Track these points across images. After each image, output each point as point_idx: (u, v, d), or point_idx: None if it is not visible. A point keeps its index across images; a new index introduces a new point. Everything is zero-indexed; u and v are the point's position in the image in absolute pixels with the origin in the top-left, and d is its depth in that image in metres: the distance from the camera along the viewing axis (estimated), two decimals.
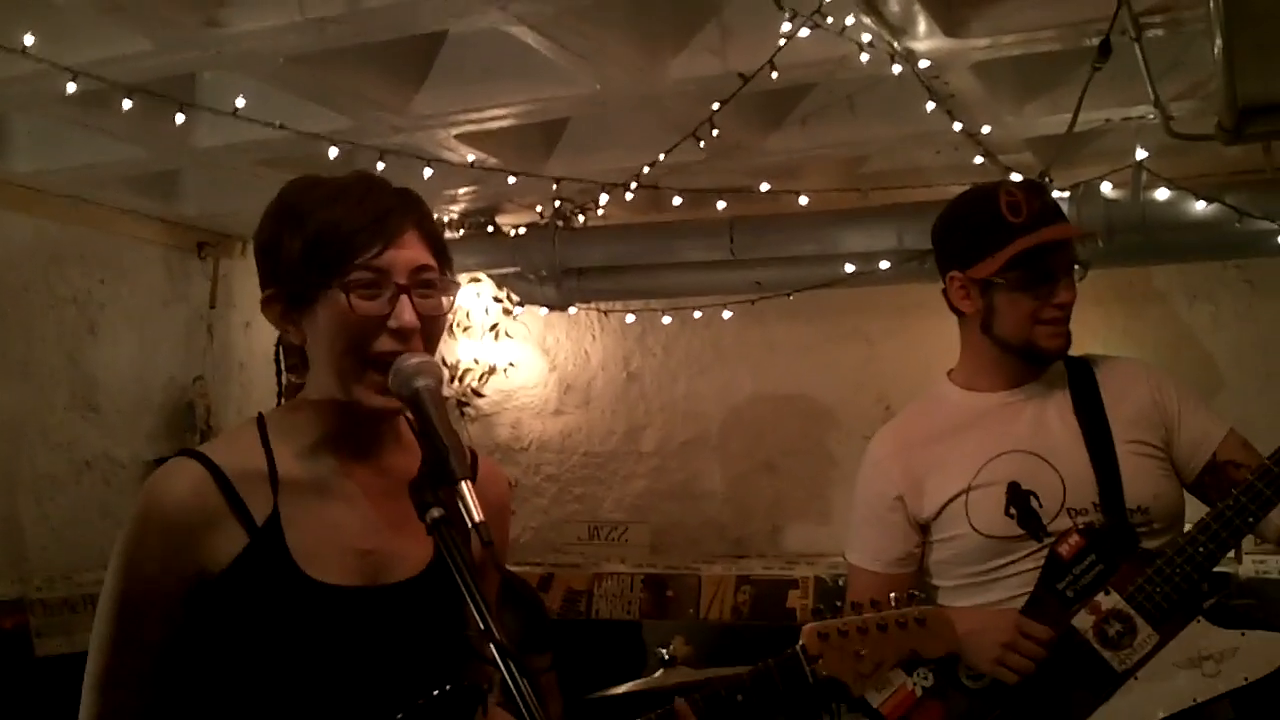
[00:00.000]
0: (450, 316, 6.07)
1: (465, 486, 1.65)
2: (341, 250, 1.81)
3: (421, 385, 1.76)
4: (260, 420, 1.95)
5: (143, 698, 1.82)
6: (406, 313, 1.82)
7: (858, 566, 2.83)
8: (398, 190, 1.94)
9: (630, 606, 5.46)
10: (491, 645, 1.60)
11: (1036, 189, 2.79)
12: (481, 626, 1.61)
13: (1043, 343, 2.66)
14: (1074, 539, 2.49)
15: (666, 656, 4.48)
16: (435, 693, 1.85)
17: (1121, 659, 2.43)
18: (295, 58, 4.06)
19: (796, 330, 5.79)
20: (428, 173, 4.47)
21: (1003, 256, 2.62)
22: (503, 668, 1.59)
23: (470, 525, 1.63)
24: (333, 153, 4.38)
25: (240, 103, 4.12)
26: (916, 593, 2.18)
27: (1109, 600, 2.46)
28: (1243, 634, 2.41)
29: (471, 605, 1.63)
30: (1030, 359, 2.70)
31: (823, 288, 5.11)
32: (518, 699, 1.58)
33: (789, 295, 5.23)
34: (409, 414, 1.83)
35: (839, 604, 2.15)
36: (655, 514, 6.17)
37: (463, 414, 6.25)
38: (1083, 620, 2.46)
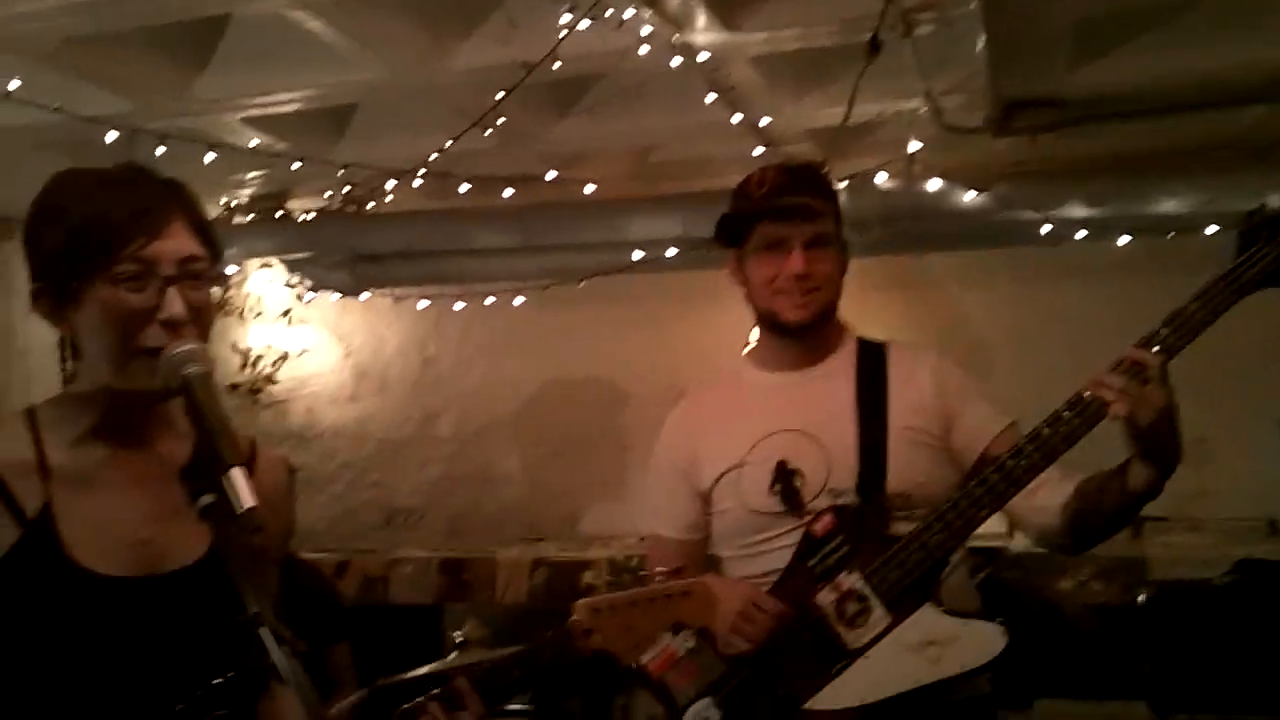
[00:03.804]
0: (242, 302, 5.99)
1: (236, 472, 1.65)
2: (105, 243, 1.79)
3: (191, 372, 1.76)
4: (29, 413, 1.92)
5: None
6: (175, 305, 1.80)
7: (653, 534, 2.93)
8: (163, 180, 1.92)
9: (427, 591, 5.44)
10: (260, 630, 1.62)
11: (790, 168, 2.85)
12: (251, 612, 1.63)
13: (784, 314, 2.71)
14: (827, 519, 2.55)
15: (460, 639, 4.48)
16: (217, 681, 1.84)
17: (856, 637, 2.49)
18: (72, 39, 3.95)
19: (589, 316, 5.84)
20: (209, 157, 4.38)
21: (747, 229, 2.74)
22: (273, 650, 1.61)
23: (238, 511, 1.64)
24: (112, 136, 4.27)
25: (14, 85, 3.99)
26: (682, 566, 2.28)
27: (850, 579, 2.52)
28: (966, 623, 2.48)
29: (240, 590, 1.64)
30: (778, 330, 2.76)
31: (612, 274, 5.18)
32: (291, 680, 1.60)
33: (580, 282, 5.29)
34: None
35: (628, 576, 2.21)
36: (452, 499, 6.18)
37: (256, 401, 6.14)
38: (825, 597, 2.53)
